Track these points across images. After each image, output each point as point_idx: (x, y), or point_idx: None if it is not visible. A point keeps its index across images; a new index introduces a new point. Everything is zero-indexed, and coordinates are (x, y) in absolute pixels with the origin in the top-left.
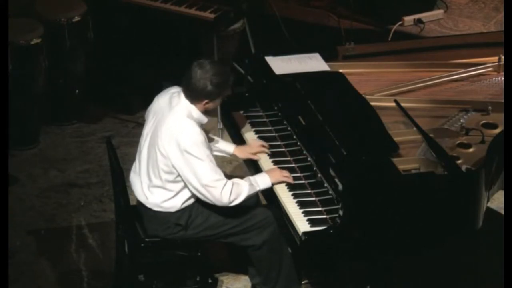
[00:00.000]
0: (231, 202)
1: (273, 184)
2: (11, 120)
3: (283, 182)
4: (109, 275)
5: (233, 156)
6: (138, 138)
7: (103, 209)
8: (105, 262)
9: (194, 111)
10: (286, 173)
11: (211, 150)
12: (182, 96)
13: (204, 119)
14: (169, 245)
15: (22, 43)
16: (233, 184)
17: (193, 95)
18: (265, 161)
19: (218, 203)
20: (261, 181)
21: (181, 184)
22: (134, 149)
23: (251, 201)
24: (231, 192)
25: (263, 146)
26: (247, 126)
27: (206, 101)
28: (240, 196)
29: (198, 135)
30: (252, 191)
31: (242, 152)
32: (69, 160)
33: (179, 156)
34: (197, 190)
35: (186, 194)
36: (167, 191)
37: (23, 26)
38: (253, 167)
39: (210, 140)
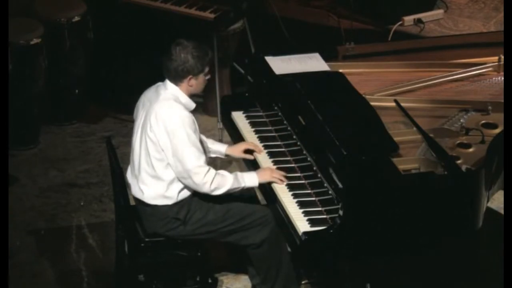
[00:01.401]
0: (212, 191)
1: (260, 184)
2: (11, 120)
3: (272, 182)
4: (109, 275)
5: (227, 156)
6: (131, 141)
7: (103, 209)
8: (105, 262)
9: (181, 95)
10: (278, 174)
11: (199, 134)
12: (167, 84)
13: (192, 105)
14: (169, 245)
15: (22, 43)
16: (216, 173)
17: (176, 74)
18: (265, 161)
19: (199, 190)
20: (248, 178)
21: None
22: None
23: (250, 199)
24: (213, 180)
25: (254, 145)
26: (247, 126)
27: (189, 77)
28: (222, 187)
29: (186, 117)
30: (236, 185)
31: (234, 151)
32: (69, 160)
33: (166, 139)
34: (179, 174)
35: (180, 182)
36: (160, 180)
37: (23, 26)
38: (252, 167)
39: (203, 142)
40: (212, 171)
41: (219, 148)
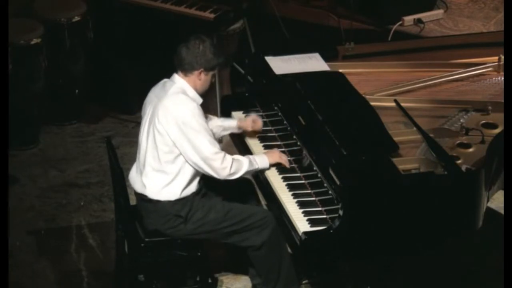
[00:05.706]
0: (231, 175)
1: (271, 166)
2: (11, 120)
3: (280, 164)
4: (109, 275)
5: (239, 128)
6: (138, 138)
7: (103, 209)
8: (105, 262)
9: (189, 89)
10: (284, 156)
11: (208, 124)
12: (175, 78)
13: (199, 99)
14: (169, 245)
15: (22, 43)
16: (233, 158)
17: (190, 64)
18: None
19: (219, 176)
20: (260, 161)
21: (179, 166)
22: (134, 149)
23: (250, 200)
24: (231, 165)
25: (257, 117)
26: None
27: (201, 69)
28: (240, 171)
29: (195, 108)
30: (251, 168)
31: (244, 124)
32: (69, 160)
33: (177, 130)
34: (197, 164)
35: (185, 178)
36: (165, 174)
37: (23, 26)
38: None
39: (212, 122)
40: (228, 156)
41: (230, 124)
